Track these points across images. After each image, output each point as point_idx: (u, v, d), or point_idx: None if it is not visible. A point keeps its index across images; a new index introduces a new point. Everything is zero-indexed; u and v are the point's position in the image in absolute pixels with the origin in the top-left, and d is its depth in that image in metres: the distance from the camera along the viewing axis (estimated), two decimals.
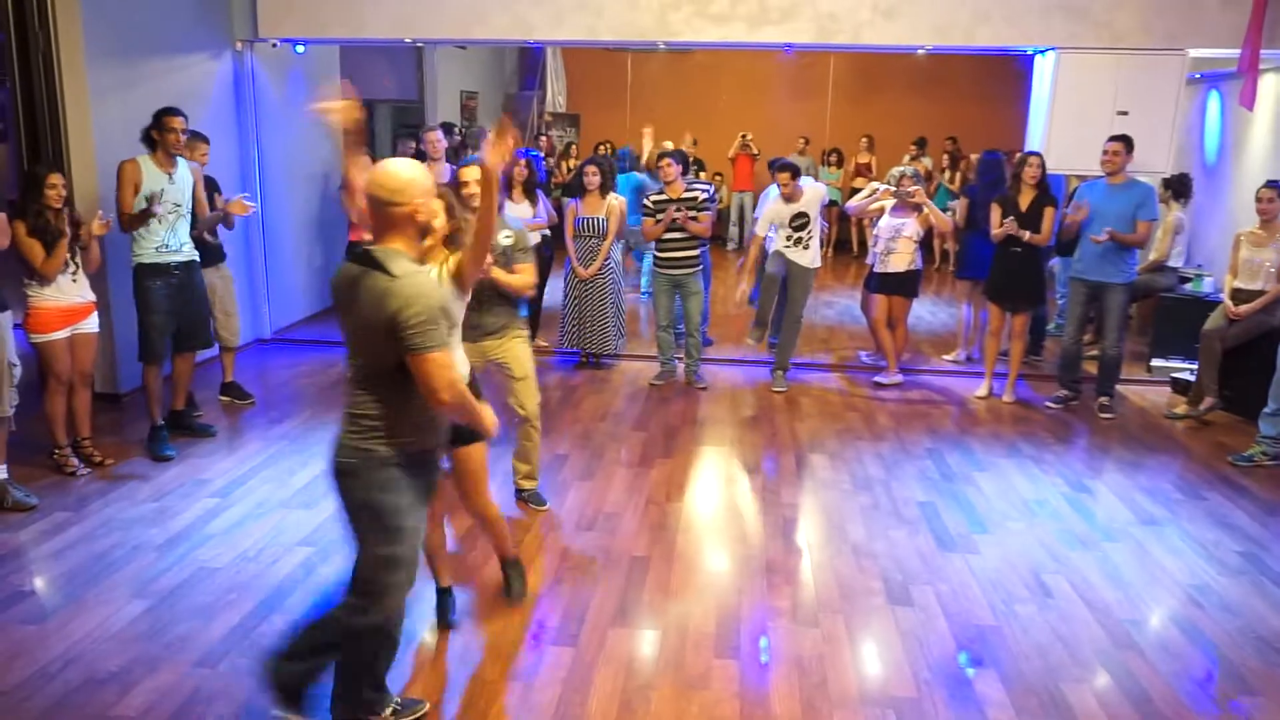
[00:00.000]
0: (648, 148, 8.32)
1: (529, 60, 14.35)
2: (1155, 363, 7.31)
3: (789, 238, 6.52)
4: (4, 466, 4.47)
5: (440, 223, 3.06)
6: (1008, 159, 7.17)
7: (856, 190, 9.25)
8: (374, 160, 3.19)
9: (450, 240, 3.22)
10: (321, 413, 5.93)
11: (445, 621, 3.54)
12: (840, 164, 12.76)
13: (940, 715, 3.09)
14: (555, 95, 14.21)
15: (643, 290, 9.31)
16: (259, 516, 4.44)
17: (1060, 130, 6.86)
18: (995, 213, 6.28)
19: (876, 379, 6.90)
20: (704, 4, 6.87)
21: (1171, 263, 7.62)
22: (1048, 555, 4.25)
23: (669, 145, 8.71)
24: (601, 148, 11.70)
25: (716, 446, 5.59)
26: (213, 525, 4.33)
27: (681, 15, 6.89)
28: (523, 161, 6.67)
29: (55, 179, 4.60)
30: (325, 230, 8.49)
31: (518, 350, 4.31)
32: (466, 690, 3.17)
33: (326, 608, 2.81)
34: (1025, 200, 6.21)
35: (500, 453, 4.69)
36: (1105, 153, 6.02)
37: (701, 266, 6.68)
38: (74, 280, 4.75)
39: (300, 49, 7.58)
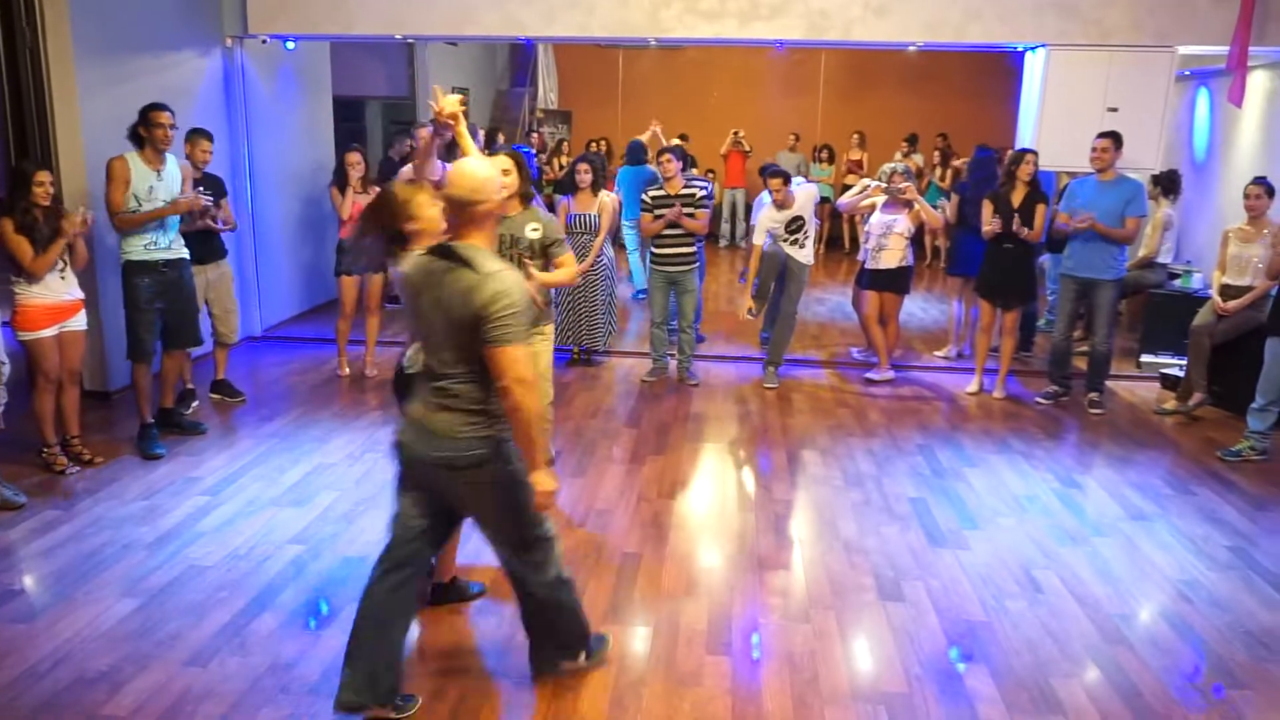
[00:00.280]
0: (660, 139, 8.36)
1: (520, 57, 14.34)
2: (1145, 358, 7.35)
3: (784, 239, 6.57)
4: None
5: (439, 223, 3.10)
6: (999, 156, 7.19)
7: (848, 187, 9.25)
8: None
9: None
10: (312, 410, 5.91)
11: (443, 598, 3.64)
12: (831, 161, 12.77)
13: (931, 710, 3.10)
14: (547, 92, 14.19)
15: (635, 290, 9.30)
16: (249, 514, 4.43)
17: (1050, 127, 6.88)
18: (987, 209, 6.29)
19: (868, 375, 6.92)
20: (695, 0, 6.87)
21: (1161, 259, 7.66)
22: (1038, 551, 4.26)
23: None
24: (594, 144, 11.71)
25: (708, 443, 5.60)
26: (203, 523, 4.32)
27: (673, 12, 6.89)
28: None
29: (43, 177, 4.58)
30: (315, 227, 8.46)
31: (536, 348, 4.30)
32: (458, 687, 3.17)
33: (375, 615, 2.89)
34: (1018, 197, 6.22)
35: None
36: (1094, 149, 6.04)
37: (698, 264, 6.69)
38: (62, 278, 4.72)
39: (290, 45, 7.56)
